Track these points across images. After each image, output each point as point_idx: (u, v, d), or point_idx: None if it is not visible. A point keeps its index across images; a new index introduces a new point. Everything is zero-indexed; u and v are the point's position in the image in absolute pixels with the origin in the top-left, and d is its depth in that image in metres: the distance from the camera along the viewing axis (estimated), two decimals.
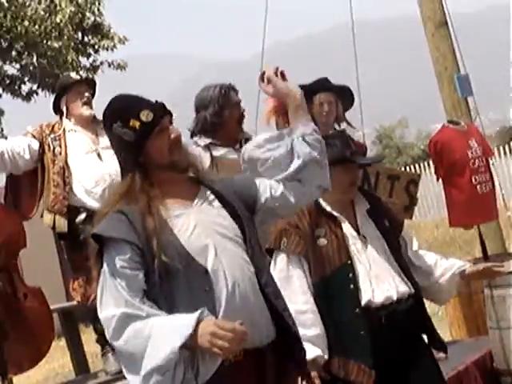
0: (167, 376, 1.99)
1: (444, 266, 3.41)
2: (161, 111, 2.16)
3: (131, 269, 2.03)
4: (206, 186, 2.23)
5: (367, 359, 3.02)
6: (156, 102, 2.21)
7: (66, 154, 4.53)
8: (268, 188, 2.30)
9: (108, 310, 2.01)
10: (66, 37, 10.94)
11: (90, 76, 9.62)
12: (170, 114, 2.24)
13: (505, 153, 17.03)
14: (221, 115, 3.88)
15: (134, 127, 2.09)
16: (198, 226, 2.11)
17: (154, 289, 2.06)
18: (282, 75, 2.53)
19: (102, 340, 4.62)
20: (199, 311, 1.92)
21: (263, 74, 2.52)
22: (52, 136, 4.55)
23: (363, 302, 3.09)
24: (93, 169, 4.43)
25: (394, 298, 3.17)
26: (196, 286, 2.07)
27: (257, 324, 2.20)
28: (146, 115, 2.10)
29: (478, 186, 5.81)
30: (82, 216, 4.38)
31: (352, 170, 3.06)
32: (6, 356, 4.17)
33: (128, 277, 2.01)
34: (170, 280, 2.07)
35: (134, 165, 2.16)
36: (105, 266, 2.07)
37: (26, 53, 11.01)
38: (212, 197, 2.22)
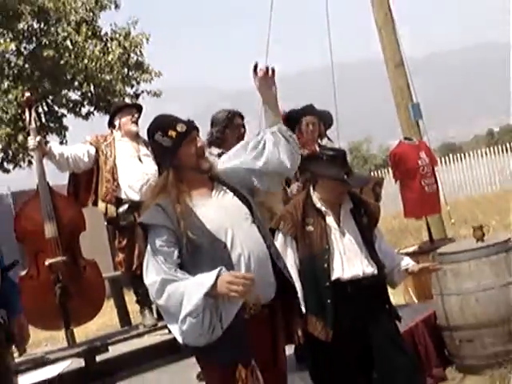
0: (198, 320, 2.03)
1: (397, 262, 3.35)
2: (191, 126, 2.21)
3: (168, 247, 2.08)
4: (218, 181, 2.26)
5: (329, 321, 3.02)
6: (188, 119, 2.25)
7: (114, 157, 4.46)
8: (254, 175, 2.33)
9: (151, 277, 2.07)
10: (115, 72, 10.88)
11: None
12: (198, 129, 2.27)
13: (446, 162, 17.13)
14: (223, 133, 3.84)
15: (171, 136, 2.14)
16: (218, 211, 2.15)
17: (185, 261, 2.11)
18: (273, 71, 2.43)
19: (140, 301, 4.54)
20: (218, 268, 1.98)
21: (256, 66, 2.41)
22: (105, 144, 4.46)
23: (333, 278, 3.07)
24: (134, 169, 4.34)
25: (360, 275, 3.14)
26: (218, 257, 2.09)
27: (269, 283, 2.24)
28: (180, 127, 2.14)
29: (426, 187, 5.67)
30: (125, 206, 4.26)
31: (344, 186, 3.07)
32: (70, 312, 4.03)
33: (165, 253, 2.08)
34: (197, 253, 2.11)
35: (169, 166, 2.18)
36: (148, 246, 2.13)
37: (86, 83, 10.94)
38: (224, 188, 2.24)
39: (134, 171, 4.27)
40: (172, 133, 2.15)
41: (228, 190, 2.24)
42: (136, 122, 4.42)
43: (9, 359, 3.00)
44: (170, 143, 2.14)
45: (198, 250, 2.10)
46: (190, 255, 2.09)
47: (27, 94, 4.49)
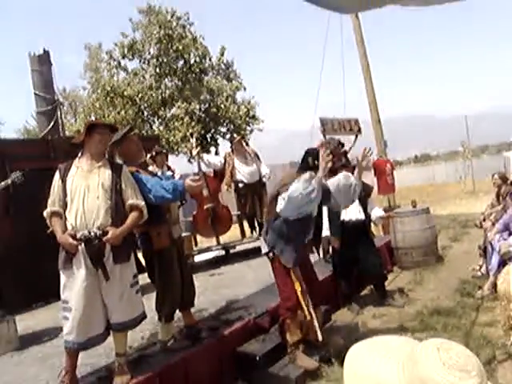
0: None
1: (377, 214, 5.34)
2: None
3: None
4: None
5: (337, 235, 4.96)
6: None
7: (233, 162, 7.15)
8: None
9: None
10: (242, 118, 18.72)
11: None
12: None
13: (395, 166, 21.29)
14: None
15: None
16: None
17: None
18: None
19: (250, 225, 7.20)
20: None
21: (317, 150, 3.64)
22: (228, 157, 7.15)
23: (342, 218, 5.09)
24: (244, 167, 7.14)
25: (353, 219, 5.14)
26: None
27: None
28: None
29: (389, 179, 9.20)
30: (241, 185, 7.06)
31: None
32: (216, 229, 6.78)
33: None
34: None
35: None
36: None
37: (229, 124, 18.71)
38: None
39: (244, 168, 7.03)
40: None
41: None
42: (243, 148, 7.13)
43: (183, 248, 3.97)
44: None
45: None
46: None
47: (192, 140, 7.10)
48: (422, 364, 0.79)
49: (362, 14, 9.77)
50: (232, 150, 7.33)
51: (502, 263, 4.88)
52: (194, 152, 6.78)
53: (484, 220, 6.47)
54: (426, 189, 21.33)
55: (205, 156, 7.26)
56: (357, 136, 6.26)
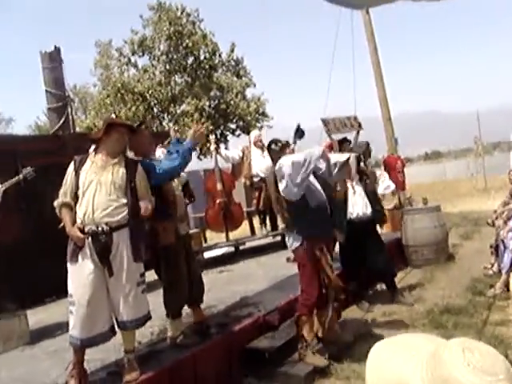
0: None
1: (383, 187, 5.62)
2: None
3: None
4: None
5: (344, 232, 4.65)
6: None
7: (250, 155, 7.05)
8: None
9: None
10: (252, 115, 18.77)
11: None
12: None
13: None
14: None
15: None
16: None
17: None
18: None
19: (261, 221, 7.13)
20: None
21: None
22: (246, 150, 7.06)
23: (348, 216, 5.03)
24: (260, 161, 6.89)
25: (360, 214, 5.10)
26: None
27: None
28: None
29: (399, 176, 9.11)
30: (255, 179, 6.94)
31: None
32: (227, 224, 6.84)
33: None
34: None
35: None
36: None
37: (239, 120, 18.76)
38: None
39: (259, 162, 6.86)
40: None
41: None
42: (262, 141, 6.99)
43: (191, 245, 4.04)
44: None
45: None
46: None
47: (212, 136, 7.17)
48: (446, 364, 0.77)
49: (372, 10, 9.67)
50: (252, 144, 7.27)
51: None
52: (212, 147, 6.88)
53: (496, 218, 6.38)
54: (437, 186, 21.16)
55: (222, 151, 7.28)
56: (358, 132, 6.25)
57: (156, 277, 3.83)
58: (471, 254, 7.34)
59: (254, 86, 19.73)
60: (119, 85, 17.81)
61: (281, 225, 5.52)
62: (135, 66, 19.28)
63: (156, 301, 3.66)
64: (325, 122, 5.86)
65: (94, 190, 3.01)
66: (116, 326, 3.16)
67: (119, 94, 17.84)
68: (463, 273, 6.24)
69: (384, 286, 5.69)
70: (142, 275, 3.17)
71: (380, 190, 5.54)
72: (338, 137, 5.91)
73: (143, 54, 18.89)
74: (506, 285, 4.80)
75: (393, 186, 5.80)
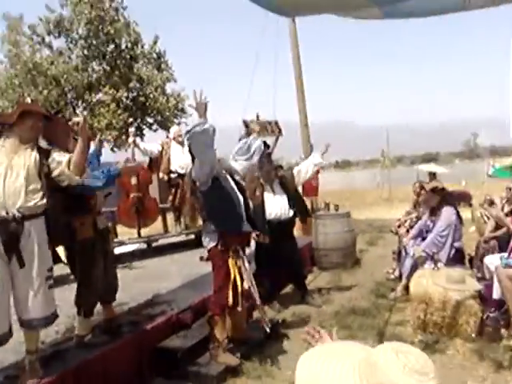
0: None
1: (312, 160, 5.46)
2: None
3: None
4: None
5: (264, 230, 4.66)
6: None
7: (170, 151, 6.94)
8: None
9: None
10: (171, 110, 18.57)
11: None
12: None
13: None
14: None
15: None
16: None
17: None
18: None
19: (176, 219, 7.06)
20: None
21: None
22: (166, 145, 6.94)
23: (267, 217, 5.08)
24: (179, 157, 6.79)
25: (279, 215, 5.25)
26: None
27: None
28: None
29: (313, 182, 9.47)
30: (173, 175, 6.87)
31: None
32: (140, 220, 6.76)
33: None
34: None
35: None
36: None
37: (157, 115, 18.40)
38: None
39: (178, 158, 6.82)
40: None
41: None
42: (181, 136, 6.80)
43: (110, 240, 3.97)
44: None
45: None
46: None
47: (131, 129, 7.17)
48: (382, 369, 0.79)
49: (298, 19, 9.87)
50: (172, 140, 7.15)
51: (415, 267, 5.21)
52: (131, 140, 6.69)
53: (399, 226, 6.86)
54: (345, 194, 22.25)
55: (141, 144, 7.10)
56: (277, 138, 6.38)
57: (63, 271, 3.60)
58: (375, 259, 7.77)
59: (175, 81, 19.50)
60: (30, 65, 16.68)
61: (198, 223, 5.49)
62: (50, 46, 18.15)
63: (63, 297, 3.46)
64: (246, 123, 5.91)
65: (4, 175, 2.78)
66: (19, 325, 2.92)
67: (29, 75, 16.68)
68: (368, 276, 6.61)
69: (296, 287, 5.84)
70: (50, 270, 2.96)
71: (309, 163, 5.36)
72: None
73: (59, 36, 17.88)
74: (406, 288, 5.14)
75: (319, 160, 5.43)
